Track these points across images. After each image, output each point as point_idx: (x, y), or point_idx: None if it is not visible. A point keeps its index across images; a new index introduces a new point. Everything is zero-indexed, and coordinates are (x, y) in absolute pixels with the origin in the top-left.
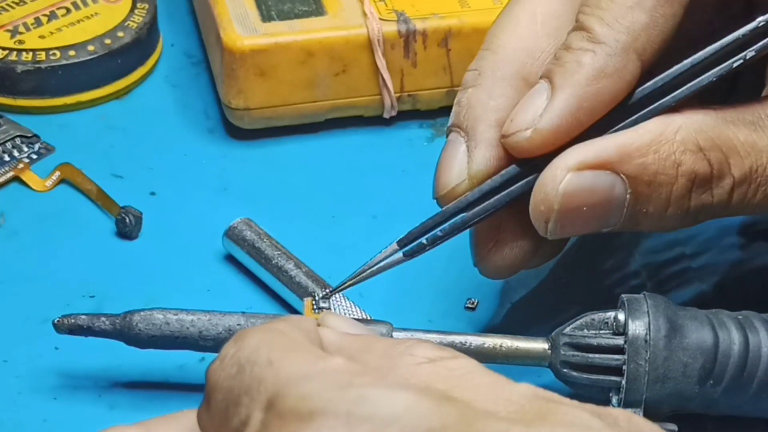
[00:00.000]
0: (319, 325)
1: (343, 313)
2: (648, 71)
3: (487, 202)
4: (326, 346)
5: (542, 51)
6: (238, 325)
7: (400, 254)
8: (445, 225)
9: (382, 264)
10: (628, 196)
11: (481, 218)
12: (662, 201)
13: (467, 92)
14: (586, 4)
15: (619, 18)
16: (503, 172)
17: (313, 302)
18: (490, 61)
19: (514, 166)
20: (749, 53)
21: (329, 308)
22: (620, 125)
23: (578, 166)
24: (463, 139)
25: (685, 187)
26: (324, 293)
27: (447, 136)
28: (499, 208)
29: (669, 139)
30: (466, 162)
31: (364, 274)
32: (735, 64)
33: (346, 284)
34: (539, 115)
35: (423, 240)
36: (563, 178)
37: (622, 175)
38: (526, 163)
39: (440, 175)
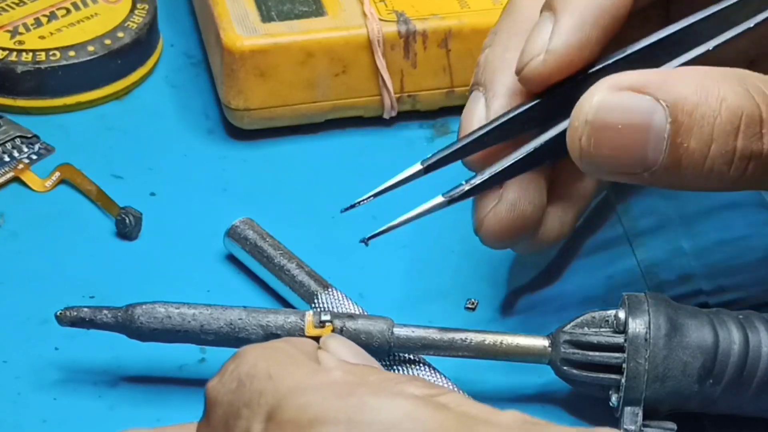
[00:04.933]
0: (319, 348)
1: (342, 311)
2: None
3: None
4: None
5: None
6: (239, 319)
7: (442, 199)
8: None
9: (422, 209)
10: (668, 125)
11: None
12: (705, 136)
13: (485, 52)
14: None
15: None
16: (524, 106)
17: (315, 316)
18: (507, 21)
19: (538, 101)
20: None
21: (330, 322)
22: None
23: (615, 87)
24: (482, 94)
25: (729, 122)
26: (365, 238)
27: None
28: (528, 157)
29: (712, 76)
30: (485, 114)
31: (404, 219)
32: None
33: (387, 228)
34: (548, 38)
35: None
36: (599, 94)
37: (662, 101)
38: (552, 101)
39: (461, 127)
